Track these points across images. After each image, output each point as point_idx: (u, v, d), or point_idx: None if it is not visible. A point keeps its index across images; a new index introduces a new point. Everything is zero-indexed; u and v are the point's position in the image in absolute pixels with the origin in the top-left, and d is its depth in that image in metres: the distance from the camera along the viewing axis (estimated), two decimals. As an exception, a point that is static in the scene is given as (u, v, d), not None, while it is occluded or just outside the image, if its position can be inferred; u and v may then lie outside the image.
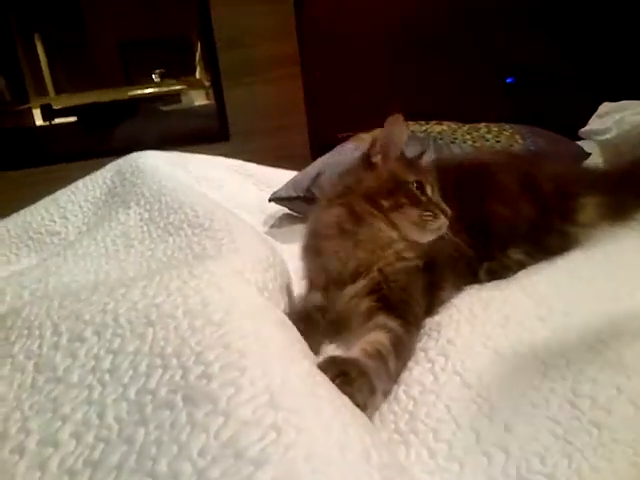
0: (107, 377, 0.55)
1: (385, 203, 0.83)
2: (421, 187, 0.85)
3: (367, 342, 0.72)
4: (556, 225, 1.02)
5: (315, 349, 0.76)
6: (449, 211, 0.85)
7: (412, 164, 0.89)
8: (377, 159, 0.87)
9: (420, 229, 0.84)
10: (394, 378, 0.73)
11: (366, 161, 0.88)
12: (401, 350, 0.74)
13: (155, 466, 0.43)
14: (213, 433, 0.44)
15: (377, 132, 0.87)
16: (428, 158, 1.30)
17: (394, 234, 0.84)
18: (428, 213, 0.83)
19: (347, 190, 0.87)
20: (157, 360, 0.55)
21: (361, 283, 0.83)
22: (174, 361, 0.54)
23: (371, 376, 0.65)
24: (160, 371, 0.54)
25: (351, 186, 0.87)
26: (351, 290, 0.83)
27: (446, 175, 0.96)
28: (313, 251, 0.89)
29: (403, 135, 0.88)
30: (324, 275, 0.86)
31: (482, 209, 0.98)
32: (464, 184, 0.99)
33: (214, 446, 0.42)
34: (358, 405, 0.59)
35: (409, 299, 0.82)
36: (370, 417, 0.65)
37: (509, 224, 0.99)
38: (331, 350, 0.81)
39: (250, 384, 0.48)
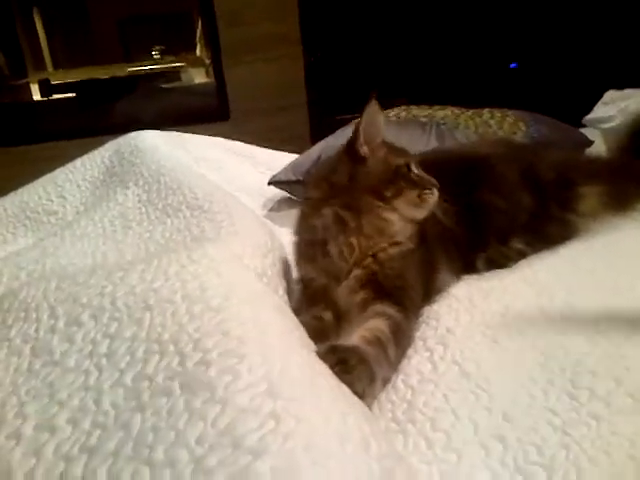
0: (104, 362, 0.55)
1: (388, 193, 0.83)
2: (409, 167, 0.86)
3: (366, 329, 0.72)
4: (556, 214, 1.02)
5: None
6: (435, 182, 0.86)
7: (394, 147, 0.89)
8: (364, 151, 0.84)
9: (418, 207, 0.85)
10: (394, 365, 0.72)
11: (353, 154, 0.85)
12: (400, 337, 0.74)
13: (152, 453, 0.42)
14: (210, 421, 0.43)
15: (357, 122, 0.85)
16: (425, 144, 1.30)
17: (395, 217, 0.84)
18: (426, 191, 0.85)
19: (338, 188, 0.85)
20: (154, 346, 0.55)
21: (355, 273, 0.82)
22: (172, 347, 0.54)
23: (371, 363, 0.64)
24: (157, 357, 0.53)
25: (342, 183, 0.85)
26: (347, 283, 0.82)
27: (444, 166, 0.96)
28: (312, 257, 0.87)
29: (382, 121, 0.87)
30: (325, 276, 0.84)
31: (477, 199, 0.98)
32: (462, 175, 0.99)
33: (211, 434, 0.42)
34: (357, 393, 0.59)
35: (405, 285, 0.81)
36: (369, 406, 0.64)
37: (507, 214, 0.98)
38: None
39: (248, 372, 0.48)
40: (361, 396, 0.59)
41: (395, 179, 0.84)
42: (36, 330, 0.61)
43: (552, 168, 1.06)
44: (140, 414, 0.47)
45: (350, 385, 0.58)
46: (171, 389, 0.48)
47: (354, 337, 0.70)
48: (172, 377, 0.50)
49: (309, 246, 0.87)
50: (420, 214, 0.86)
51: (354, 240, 0.83)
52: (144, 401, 0.48)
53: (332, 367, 0.59)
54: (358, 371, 0.62)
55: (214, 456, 0.40)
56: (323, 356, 0.61)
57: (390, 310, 0.76)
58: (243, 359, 0.50)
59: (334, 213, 0.84)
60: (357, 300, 0.80)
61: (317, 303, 0.83)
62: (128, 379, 0.51)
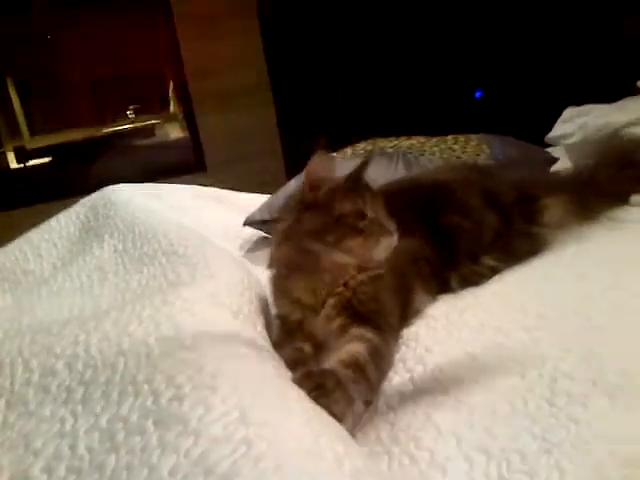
0: (79, 408, 0.55)
1: (330, 238, 0.82)
2: (361, 214, 0.83)
3: (344, 353, 0.72)
4: (521, 228, 1.04)
5: None
6: (393, 228, 0.83)
7: (349, 190, 0.85)
8: (310, 197, 0.85)
9: (369, 252, 0.83)
10: (375, 387, 0.72)
11: (303, 202, 0.86)
12: (379, 359, 0.74)
13: (126, 491, 0.42)
14: (183, 452, 0.43)
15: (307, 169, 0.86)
16: (393, 173, 1.33)
17: (347, 259, 0.84)
18: (371, 240, 0.82)
19: (292, 229, 0.87)
20: (129, 387, 0.55)
21: (330, 302, 0.83)
22: (145, 387, 0.54)
23: (348, 386, 0.65)
24: (132, 398, 0.53)
25: (294, 226, 0.87)
26: (324, 312, 0.83)
27: (408, 194, 0.99)
28: (285, 291, 0.88)
29: (329, 169, 0.86)
30: (300, 310, 0.85)
31: (443, 223, 1.00)
32: (425, 201, 1.01)
33: (184, 465, 0.42)
34: (335, 416, 0.59)
35: (380, 308, 0.82)
36: (351, 428, 0.64)
37: (473, 234, 1.00)
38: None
39: (221, 402, 0.48)
40: (340, 419, 0.59)
41: (337, 226, 0.82)
42: (11, 384, 0.61)
43: (513, 186, 1.09)
44: (115, 454, 0.47)
45: (327, 408, 0.58)
46: (145, 427, 0.48)
47: (332, 361, 0.70)
48: (146, 415, 0.50)
49: (282, 280, 0.88)
50: (374, 257, 0.84)
51: (312, 275, 0.84)
52: (119, 441, 0.48)
53: (309, 392, 0.59)
54: (335, 395, 0.62)
55: (187, 486, 0.40)
56: (299, 382, 0.61)
57: (368, 334, 0.77)
58: (216, 391, 0.50)
59: (290, 252, 0.86)
60: (334, 327, 0.81)
61: (295, 336, 0.83)
62: (103, 422, 0.52)
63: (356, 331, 0.77)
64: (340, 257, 0.83)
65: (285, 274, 0.88)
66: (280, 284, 0.89)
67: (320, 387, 0.61)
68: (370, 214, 0.83)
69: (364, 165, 0.87)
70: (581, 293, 0.87)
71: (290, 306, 0.85)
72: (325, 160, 0.85)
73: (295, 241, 0.86)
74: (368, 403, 0.70)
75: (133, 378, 0.56)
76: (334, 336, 0.80)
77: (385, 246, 0.83)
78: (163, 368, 0.56)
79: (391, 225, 0.84)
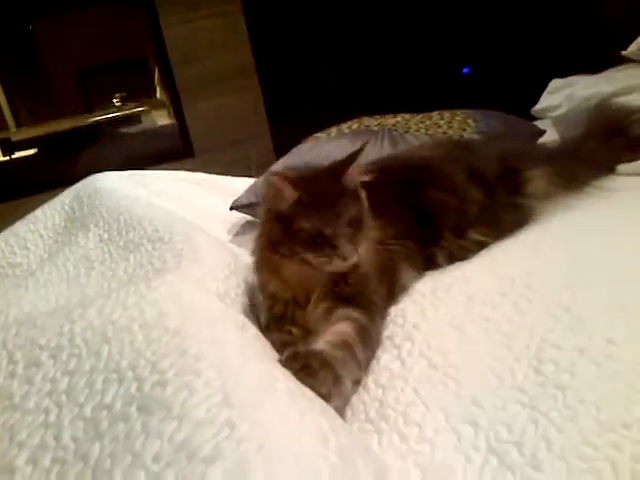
0: (64, 398, 0.54)
1: (282, 250, 0.81)
2: (320, 233, 0.78)
3: (332, 333, 0.72)
4: (506, 201, 1.04)
5: None
6: (347, 252, 0.78)
7: (311, 206, 0.79)
8: (274, 208, 0.82)
9: (321, 267, 0.80)
10: (363, 366, 0.72)
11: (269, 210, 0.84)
12: (367, 338, 0.74)
13: (110, 478, 0.42)
14: (167, 438, 0.43)
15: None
16: (379, 151, 1.32)
17: (307, 268, 0.81)
18: (323, 259, 0.78)
19: (258, 235, 0.88)
20: (113, 375, 0.55)
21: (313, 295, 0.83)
22: (129, 374, 0.54)
23: (335, 366, 0.65)
24: (116, 385, 0.53)
25: (260, 233, 0.87)
26: (311, 297, 0.83)
27: (391, 172, 0.97)
28: (261, 282, 0.89)
29: (283, 194, 0.80)
30: (279, 302, 0.85)
31: (426, 199, 0.99)
32: (408, 178, 1.00)
33: (168, 450, 0.42)
34: (322, 395, 0.59)
35: (365, 289, 0.81)
36: (339, 407, 0.64)
37: (457, 209, 0.99)
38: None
39: (204, 385, 0.48)
40: (326, 398, 0.59)
41: (289, 239, 0.79)
42: (-5, 377, 0.60)
43: (496, 159, 1.08)
44: (99, 443, 0.47)
45: (314, 388, 0.58)
46: (129, 414, 0.48)
47: (320, 342, 0.70)
48: (130, 402, 0.50)
49: (259, 273, 0.89)
50: (332, 269, 0.80)
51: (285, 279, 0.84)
52: (103, 430, 0.48)
53: (295, 373, 0.59)
54: (322, 374, 0.62)
55: (171, 470, 0.40)
56: (286, 363, 0.61)
57: (354, 314, 0.77)
58: (199, 374, 0.50)
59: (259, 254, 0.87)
60: (321, 310, 0.81)
61: (284, 319, 0.83)
62: (87, 411, 0.51)
63: (342, 312, 0.77)
64: (298, 266, 0.81)
65: (260, 269, 0.88)
66: (259, 276, 0.89)
67: (306, 367, 0.61)
68: (327, 232, 0.78)
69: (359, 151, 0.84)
70: (569, 263, 0.87)
71: (270, 300, 0.85)
72: (275, 184, 0.81)
73: (261, 245, 0.86)
74: (357, 382, 0.70)
75: (117, 365, 0.56)
76: (321, 320, 0.79)
77: (334, 268, 0.80)
78: (147, 354, 0.56)
79: (345, 251, 0.78)
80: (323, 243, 0.78)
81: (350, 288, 0.81)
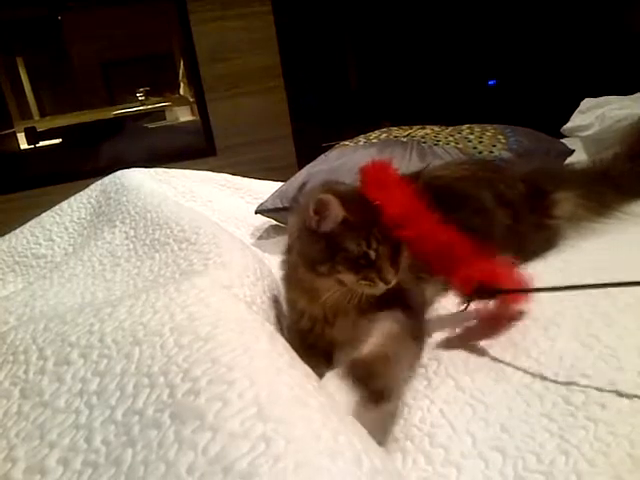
0: (94, 400, 0.54)
1: (321, 269, 0.78)
2: (366, 255, 0.77)
3: (378, 333, 0.72)
4: (533, 222, 1.03)
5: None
6: (391, 277, 0.77)
7: (357, 227, 0.78)
8: (313, 225, 0.79)
9: (360, 289, 0.79)
10: (416, 359, 0.76)
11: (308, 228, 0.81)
12: (415, 331, 0.76)
13: (143, 487, 0.42)
14: (201, 449, 0.43)
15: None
16: (407, 163, 1.31)
17: (341, 287, 0.79)
18: (365, 282, 0.77)
19: (288, 249, 0.87)
20: (144, 379, 0.54)
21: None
22: (161, 379, 0.54)
23: (393, 365, 0.67)
24: (147, 390, 0.53)
25: (289, 248, 0.86)
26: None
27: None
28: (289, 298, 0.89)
29: (334, 211, 0.77)
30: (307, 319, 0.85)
31: (450, 221, 0.97)
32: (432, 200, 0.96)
33: (202, 462, 0.42)
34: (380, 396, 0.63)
35: (402, 288, 0.81)
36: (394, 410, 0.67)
37: (484, 231, 0.98)
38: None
39: (238, 397, 0.48)
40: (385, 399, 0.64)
41: (332, 258, 0.77)
42: (25, 372, 0.61)
43: (523, 180, 1.07)
44: (131, 449, 0.46)
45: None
46: (161, 421, 0.48)
47: (368, 345, 0.70)
48: (162, 409, 0.50)
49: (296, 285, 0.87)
50: (372, 292, 0.79)
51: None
52: (135, 435, 0.48)
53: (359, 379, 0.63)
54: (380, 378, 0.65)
55: (205, 484, 0.40)
56: (347, 374, 0.63)
57: (395, 313, 0.77)
58: (232, 385, 0.50)
59: (292, 267, 0.86)
60: (350, 323, 0.80)
61: (310, 333, 0.84)
62: (119, 415, 0.51)
63: (382, 315, 0.77)
64: (333, 284, 0.79)
65: (291, 285, 0.88)
66: (289, 291, 0.89)
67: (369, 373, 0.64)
68: (372, 256, 0.77)
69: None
70: (600, 290, 0.86)
71: (298, 315, 0.85)
72: (326, 205, 0.77)
73: (294, 262, 0.84)
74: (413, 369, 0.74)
75: (149, 370, 0.56)
76: (352, 329, 0.79)
77: (373, 293, 0.79)
78: (178, 360, 0.56)
79: (389, 275, 0.78)
80: (367, 265, 0.77)
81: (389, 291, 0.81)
